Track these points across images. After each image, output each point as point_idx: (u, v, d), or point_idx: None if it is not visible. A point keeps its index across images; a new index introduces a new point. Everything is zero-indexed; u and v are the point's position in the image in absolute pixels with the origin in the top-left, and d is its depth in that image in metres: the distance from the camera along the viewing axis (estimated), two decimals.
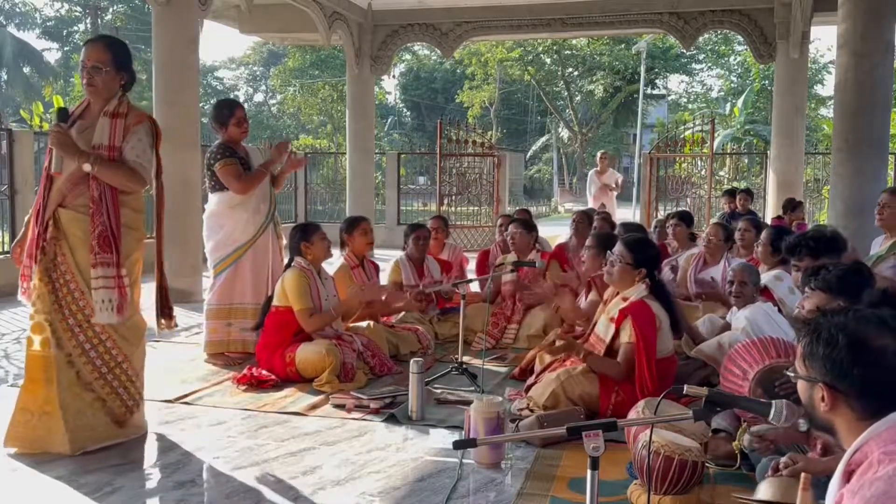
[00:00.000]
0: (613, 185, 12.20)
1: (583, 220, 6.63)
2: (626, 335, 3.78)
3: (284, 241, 5.21)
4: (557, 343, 4.01)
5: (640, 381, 3.71)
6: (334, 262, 5.49)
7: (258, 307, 4.93)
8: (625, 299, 3.92)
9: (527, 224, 6.00)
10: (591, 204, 11.76)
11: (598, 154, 12.87)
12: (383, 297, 5.32)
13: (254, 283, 4.99)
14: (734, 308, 4.31)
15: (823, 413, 1.62)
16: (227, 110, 5.06)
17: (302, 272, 4.66)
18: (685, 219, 6.69)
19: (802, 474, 2.27)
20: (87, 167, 3.30)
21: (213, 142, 5.24)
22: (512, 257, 5.91)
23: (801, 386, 1.68)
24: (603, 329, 4.01)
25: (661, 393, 3.66)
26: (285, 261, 4.93)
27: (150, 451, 3.52)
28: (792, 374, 1.70)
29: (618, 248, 3.98)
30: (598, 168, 12.34)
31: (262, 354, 4.67)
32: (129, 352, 3.51)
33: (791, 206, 9.33)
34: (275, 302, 4.69)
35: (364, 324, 5.14)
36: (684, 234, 6.53)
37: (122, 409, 3.49)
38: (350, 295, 4.87)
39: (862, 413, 1.56)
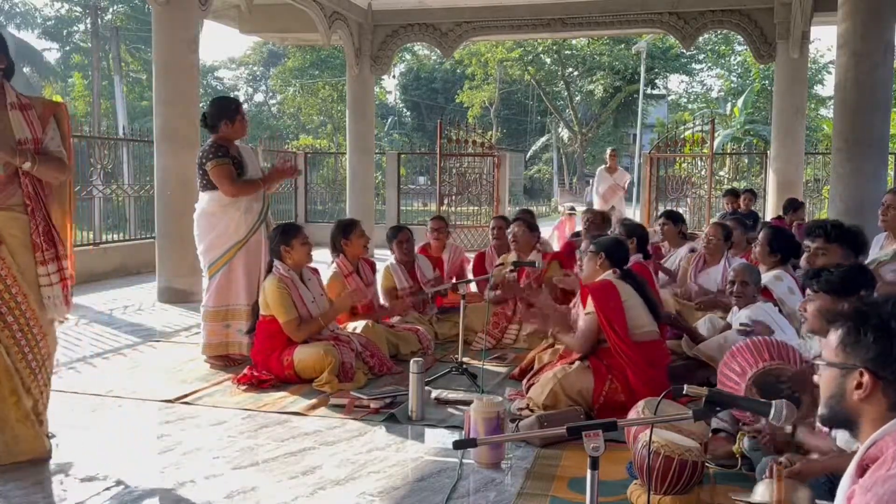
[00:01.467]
0: (624, 186, 11.64)
1: (594, 220, 6.67)
2: (587, 309, 3.94)
3: None
4: (530, 329, 4.23)
5: (616, 351, 3.82)
6: (327, 270, 5.45)
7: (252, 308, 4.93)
8: None
9: (529, 223, 6.00)
10: (596, 204, 11.31)
11: (608, 150, 12.27)
12: (380, 305, 5.31)
13: (247, 284, 4.95)
14: (735, 308, 4.31)
15: (855, 402, 1.61)
16: (234, 105, 5.08)
17: (281, 281, 4.57)
18: (672, 217, 6.71)
19: (775, 468, 2.29)
20: (27, 165, 3.18)
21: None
22: (513, 257, 5.91)
23: (830, 375, 1.67)
24: (581, 319, 4.10)
25: (649, 366, 3.76)
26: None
27: (150, 451, 3.52)
28: (823, 363, 1.69)
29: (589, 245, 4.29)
30: (608, 165, 11.76)
31: (258, 359, 4.66)
32: (53, 348, 3.43)
33: (792, 206, 9.32)
34: (261, 311, 4.65)
35: (363, 323, 5.13)
36: (673, 232, 6.54)
37: (43, 407, 3.38)
38: (337, 302, 4.84)
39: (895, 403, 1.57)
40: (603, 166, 12.02)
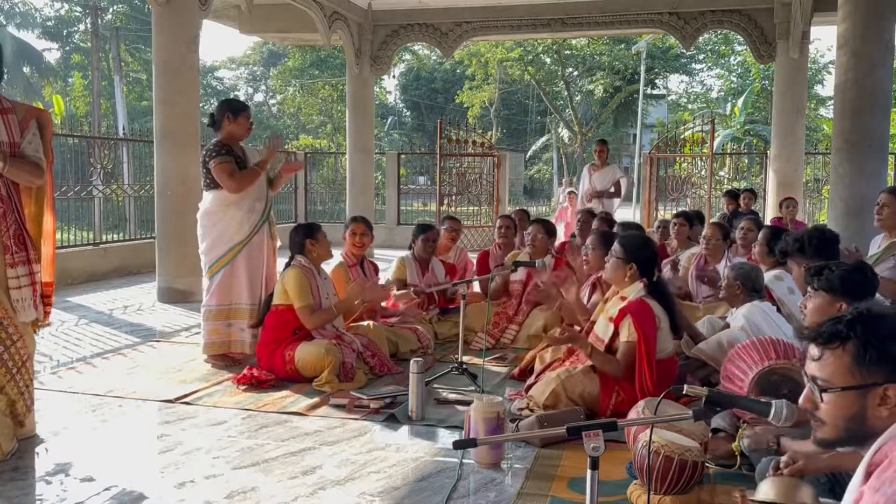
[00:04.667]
0: (611, 189, 9.73)
1: (587, 220, 6.65)
2: (626, 334, 3.77)
3: (279, 243, 5.20)
4: (559, 335, 3.98)
5: (640, 380, 3.69)
6: (332, 260, 5.47)
7: (254, 308, 4.94)
8: (623, 299, 3.92)
9: (547, 227, 5.94)
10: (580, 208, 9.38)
11: (594, 144, 10.64)
12: (386, 302, 5.32)
13: (249, 283, 4.96)
14: (734, 308, 4.31)
15: (880, 419, 1.54)
16: (240, 104, 5.14)
17: (303, 270, 4.67)
18: (690, 219, 6.73)
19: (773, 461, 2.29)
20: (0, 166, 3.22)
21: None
22: (524, 256, 5.89)
23: (844, 399, 1.57)
24: (602, 329, 4.00)
25: (660, 393, 3.69)
26: (279, 261, 4.91)
27: (150, 450, 3.52)
28: (838, 388, 1.57)
29: (615, 244, 4.05)
30: (595, 162, 10.09)
31: (262, 353, 4.68)
32: (32, 349, 3.47)
33: (783, 203, 9.46)
34: (275, 300, 4.69)
35: (364, 323, 5.14)
36: (685, 234, 6.56)
37: (24, 409, 3.42)
38: (351, 292, 4.83)
39: None
40: (589, 164, 10.42)
